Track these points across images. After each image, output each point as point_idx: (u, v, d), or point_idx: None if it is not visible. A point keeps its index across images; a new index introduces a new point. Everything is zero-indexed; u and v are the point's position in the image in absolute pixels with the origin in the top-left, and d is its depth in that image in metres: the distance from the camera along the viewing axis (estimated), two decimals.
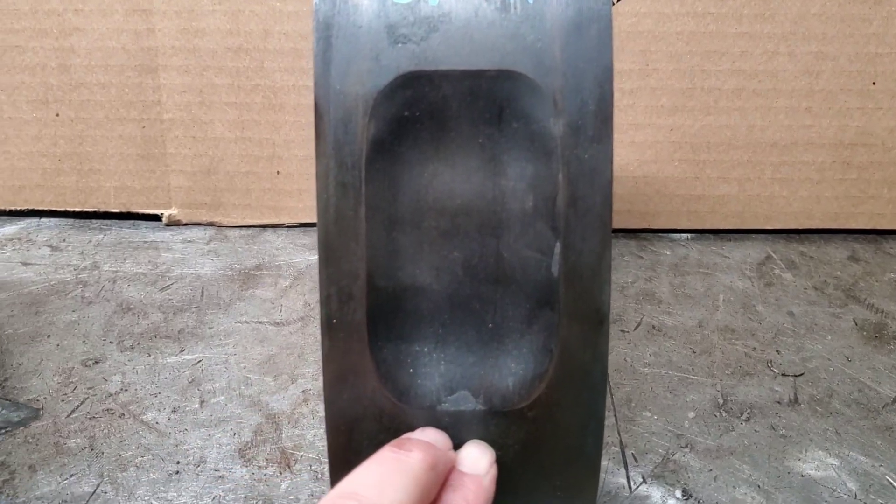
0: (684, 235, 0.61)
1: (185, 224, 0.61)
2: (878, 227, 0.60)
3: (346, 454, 0.30)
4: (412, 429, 0.30)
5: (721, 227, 0.60)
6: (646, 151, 0.57)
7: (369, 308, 0.29)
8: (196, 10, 0.55)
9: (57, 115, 0.57)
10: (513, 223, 0.30)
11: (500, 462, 0.31)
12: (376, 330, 0.29)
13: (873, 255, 0.59)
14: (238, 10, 0.54)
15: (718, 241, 0.60)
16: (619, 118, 0.56)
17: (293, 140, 0.57)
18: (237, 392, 0.44)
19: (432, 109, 0.29)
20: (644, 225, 0.60)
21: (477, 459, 0.29)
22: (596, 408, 0.30)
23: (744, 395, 0.44)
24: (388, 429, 0.30)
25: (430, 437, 0.29)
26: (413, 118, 0.29)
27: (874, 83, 0.55)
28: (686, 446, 0.40)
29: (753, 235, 0.61)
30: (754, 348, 0.48)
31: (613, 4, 0.54)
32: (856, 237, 0.61)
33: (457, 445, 0.30)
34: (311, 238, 0.59)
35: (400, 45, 0.28)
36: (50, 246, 0.58)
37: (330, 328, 0.29)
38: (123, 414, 0.42)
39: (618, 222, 0.59)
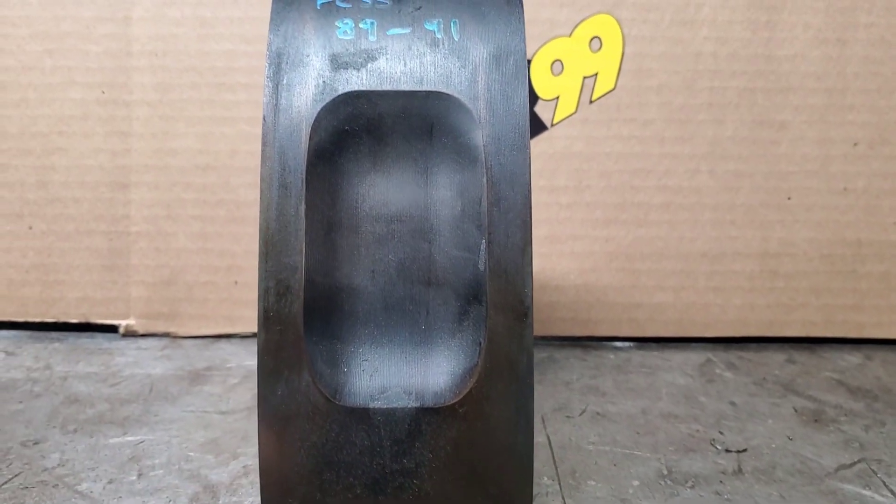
0: (627, 343, 0.63)
1: (142, 335, 0.62)
2: (812, 335, 0.63)
3: (278, 456, 0.31)
4: (345, 427, 0.31)
5: (661, 334, 0.62)
6: (584, 261, 0.61)
7: (306, 302, 0.31)
8: (171, 132, 0.60)
9: (30, 227, 0.60)
10: (443, 227, 0.32)
11: (434, 468, 0.31)
12: (312, 325, 0.31)
13: (809, 358, 0.61)
14: (209, 132, 0.60)
15: (659, 349, 0.62)
16: (558, 230, 0.61)
17: (253, 251, 0.60)
18: (177, 467, 0.43)
19: (370, 125, 0.32)
20: (587, 333, 0.62)
21: None
22: (524, 402, 0.31)
23: (688, 468, 0.44)
24: (321, 427, 0.30)
25: None
26: (352, 132, 0.32)
27: (789, 198, 0.61)
28: None
29: (693, 344, 0.63)
30: (697, 430, 0.48)
31: (547, 129, 0.61)
32: (792, 345, 0.64)
33: (392, 443, 0.30)
34: None
35: (342, 70, 0.32)
36: (5, 352, 0.59)
37: (266, 320, 0.30)
38: (57, 484, 0.41)
39: (561, 330, 0.62)
